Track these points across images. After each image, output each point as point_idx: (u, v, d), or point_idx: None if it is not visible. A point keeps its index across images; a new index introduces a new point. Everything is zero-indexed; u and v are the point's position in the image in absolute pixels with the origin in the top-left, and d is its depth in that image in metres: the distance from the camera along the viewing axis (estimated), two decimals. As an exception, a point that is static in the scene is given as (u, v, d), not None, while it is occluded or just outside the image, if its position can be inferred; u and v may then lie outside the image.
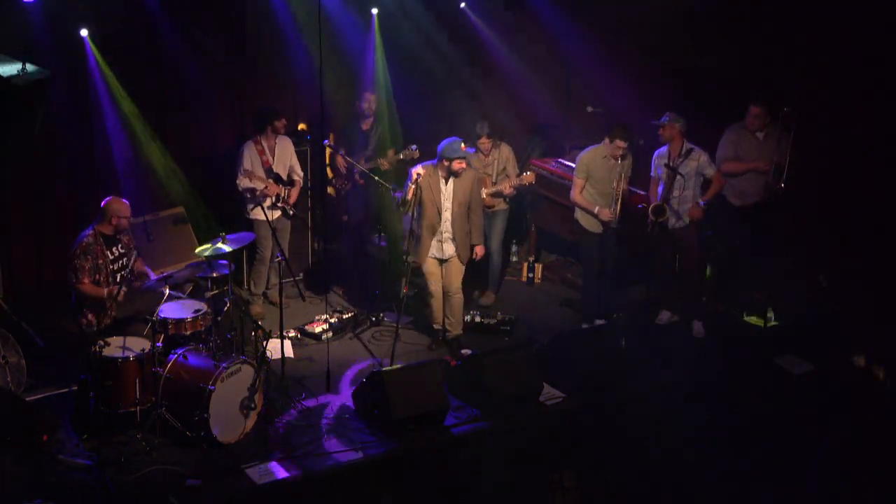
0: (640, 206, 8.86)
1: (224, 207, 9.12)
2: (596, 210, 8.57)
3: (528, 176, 9.02)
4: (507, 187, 9.06)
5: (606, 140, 8.52)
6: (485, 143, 9.06)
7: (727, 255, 9.22)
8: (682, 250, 8.74)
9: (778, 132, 8.82)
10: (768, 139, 8.89)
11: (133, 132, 8.88)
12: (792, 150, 8.72)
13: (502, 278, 9.71)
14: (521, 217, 10.25)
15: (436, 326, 8.48)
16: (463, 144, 8.02)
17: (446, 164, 7.97)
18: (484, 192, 9.06)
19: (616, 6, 10.19)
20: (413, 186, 7.93)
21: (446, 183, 8.05)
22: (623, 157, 8.56)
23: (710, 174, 8.59)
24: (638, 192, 9.33)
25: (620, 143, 8.44)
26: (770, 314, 8.99)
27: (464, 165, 8.02)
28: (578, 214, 8.71)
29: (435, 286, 8.27)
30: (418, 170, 7.96)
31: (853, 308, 8.93)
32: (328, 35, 9.36)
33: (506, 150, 9.20)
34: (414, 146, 9.67)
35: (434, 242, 8.15)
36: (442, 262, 8.23)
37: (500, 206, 9.21)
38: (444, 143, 8.01)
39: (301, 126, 9.84)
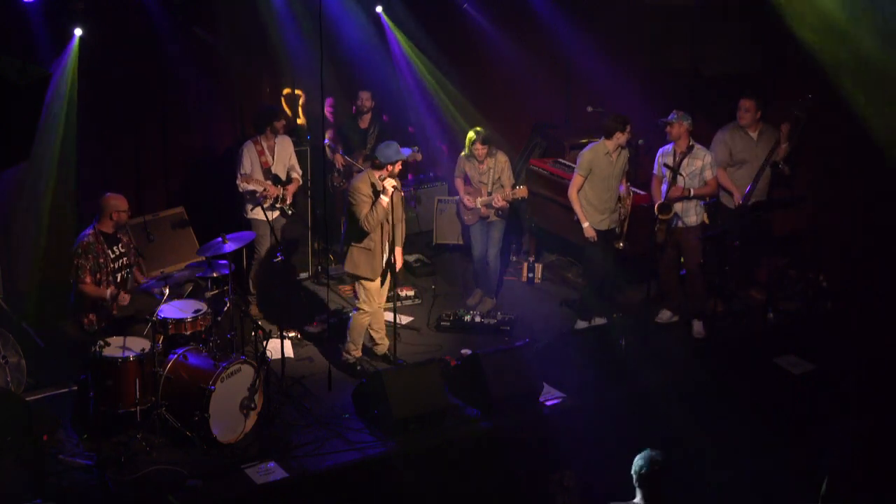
0: (642, 205, 8.88)
1: (224, 207, 9.12)
2: (585, 225, 8.56)
3: (521, 190, 8.84)
4: (498, 199, 8.85)
5: (618, 134, 8.46)
6: (479, 148, 8.83)
7: (727, 254, 9.22)
8: (684, 250, 8.74)
9: (772, 132, 8.85)
10: (762, 139, 8.89)
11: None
12: (798, 142, 8.74)
13: (500, 284, 9.69)
14: (520, 216, 10.25)
15: (356, 355, 8.03)
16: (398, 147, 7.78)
17: (390, 168, 7.64)
18: (478, 202, 9.00)
19: (617, 5, 10.19)
20: (387, 200, 7.58)
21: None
22: (620, 154, 8.53)
23: (708, 177, 8.58)
24: (638, 191, 9.33)
25: (620, 137, 8.42)
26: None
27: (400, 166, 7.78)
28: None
29: (372, 305, 7.96)
30: (393, 182, 7.60)
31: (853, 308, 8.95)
32: (329, 34, 9.37)
33: (502, 159, 8.99)
34: (416, 147, 9.67)
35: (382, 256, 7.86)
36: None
37: (498, 215, 9.10)
38: (380, 150, 7.70)
39: (286, 90, 9.82)
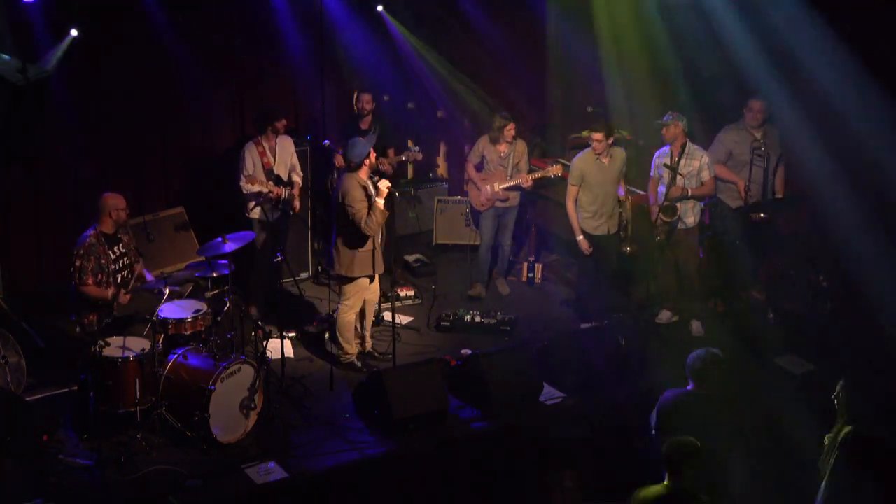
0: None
1: (224, 207, 9.11)
2: (579, 238, 8.66)
3: (556, 168, 9.04)
4: (527, 180, 9.04)
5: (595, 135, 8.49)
6: (512, 129, 9.00)
7: (727, 254, 9.22)
8: (683, 251, 8.74)
9: (774, 132, 8.84)
10: (766, 141, 8.88)
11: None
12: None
13: (509, 268, 9.83)
14: (520, 216, 10.24)
15: (352, 352, 7.99)
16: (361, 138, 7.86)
17: (367, 163, 7.66)
18: (497, 187, 9.08)
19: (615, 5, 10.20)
20: (382, 202, 7.55)
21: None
22: (613, 157, 8.53)
23: (706, 178, 8.57)
24: (638, 192, 9.33)
25: (596, 136, 8.41)
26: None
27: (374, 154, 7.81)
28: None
29: (356, 301, 7.93)
30: (388, 183, 7.60)
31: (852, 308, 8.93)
32: (329, 35, 9.37)
33: (521, 146, 9.19)
34: (417, 147, 9.67)
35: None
36: None
37: (514, 201, 9.26)
38: (349, 153, 7.64)
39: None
